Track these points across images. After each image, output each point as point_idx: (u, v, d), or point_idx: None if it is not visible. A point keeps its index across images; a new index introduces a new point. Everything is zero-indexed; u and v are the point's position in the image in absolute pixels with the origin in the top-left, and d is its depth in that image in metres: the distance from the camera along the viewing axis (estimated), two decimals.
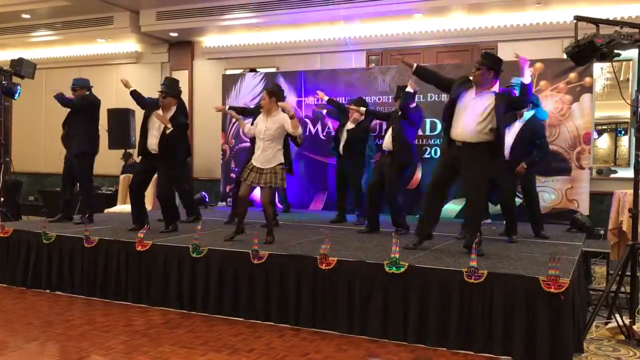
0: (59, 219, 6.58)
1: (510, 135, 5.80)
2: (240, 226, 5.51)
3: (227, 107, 7.51)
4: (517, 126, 5.95)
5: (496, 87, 4.99)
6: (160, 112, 5.93)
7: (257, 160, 5.43)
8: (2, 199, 7.66)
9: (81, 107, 6.52)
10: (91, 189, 6.88)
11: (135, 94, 6.21)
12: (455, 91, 5.02)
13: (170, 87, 6.04)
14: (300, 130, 5.48)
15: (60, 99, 6.44)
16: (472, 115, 4.85)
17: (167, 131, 5.83)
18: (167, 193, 6.08)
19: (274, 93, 5.56)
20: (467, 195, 5.11)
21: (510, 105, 4.98)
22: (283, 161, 5.48)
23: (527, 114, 6.00)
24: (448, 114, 4.99)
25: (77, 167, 6.49)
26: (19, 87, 7.65)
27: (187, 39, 10.43)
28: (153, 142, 5.94)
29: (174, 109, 6.01)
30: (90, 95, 6.65)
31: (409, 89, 6.22)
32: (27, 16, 10.35)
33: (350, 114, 7.01)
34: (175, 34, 10.16)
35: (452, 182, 5.18)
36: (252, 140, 5.88)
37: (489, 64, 4.87)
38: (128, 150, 9.71)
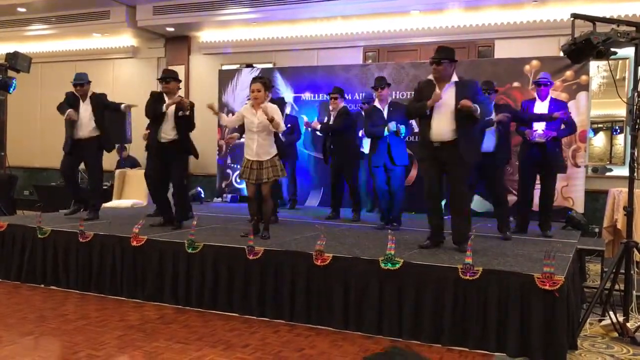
0: (74, 210, 6.58)
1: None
2: (256, 225, 5.48)
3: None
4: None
5: (455, 77, 4.99)
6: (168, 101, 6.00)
7: (254, 155, 5.38)
8: None
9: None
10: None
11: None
12: (424, 93, 4.98)
13: (171, 72, 6.21)
14: (281, 126, 5.49)
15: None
16: (447, 112, 4.84)
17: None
18: (182, 185, 6.19)
19: (268, 87, 5.57)
20: (450, 200, 5.06)
21: (470, 91, 4.88)
22: (277, 152, 5.48)
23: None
24: (422, 116, 4.97)
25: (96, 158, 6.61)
26: (14, 81, 7.61)
27: (183, 34, 10.39)
28: (166, 133, 6.01)
29: (178, 92, 6.17)
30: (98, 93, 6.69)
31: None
32: (23, 10, 10.30)
33: (331, 103, 7.12)
34: (172, 29, 10.13)
35: (442, 182, 5.12)
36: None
37: (450, 57, 4.91)
38: (124, 145, 9.70)
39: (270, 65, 9.65)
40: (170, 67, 10.26)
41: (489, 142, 5.78)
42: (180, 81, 6.25)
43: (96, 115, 6.47)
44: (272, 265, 4.67)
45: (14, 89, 7.66)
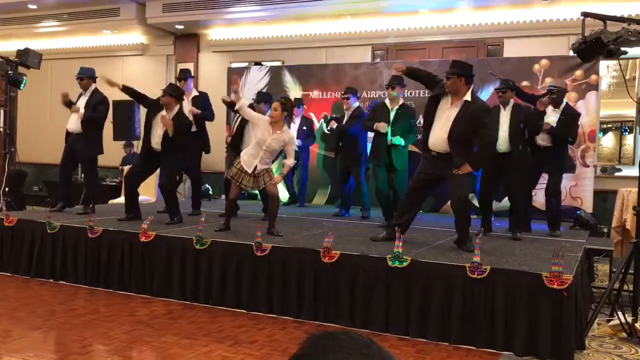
0: (60, 208, 6.66)
1: (501, 129, 5.80)
2: (227, 223, 5.59)
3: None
4: (505, 116, 5.89)
5: (468, 95, 4.86)
6: (165, 114, 5.88)
7: (251, 168, 5.42)
8: (6, 189, 7.69)
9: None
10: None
11: (127, 89, 6.15)
12: (435, 96, 5.00)
13: (171, 89, 6.05)
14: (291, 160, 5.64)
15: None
16: (445, 126, 4.85)
17: (170, 134, 5.85)
18: (168, 184, 6.10)
19: (287, 108, 5.49)
20: (452, 204, 5.10)
21: (472, 117, 4.81)
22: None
23: (511, 101, 5.94)
24: (427, 122, 4.99)
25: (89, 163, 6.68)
26: (24, 78, 7.67)
27: (192, 32, 10.41)
28: (156, 141, 5.96)
29: (176, 108, 5.97)
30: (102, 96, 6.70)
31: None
32: (34, 7, 10.36)
33: (388, 92, 6.62)
34: (181, 27, 10.15)
35: (432, 188, 5.23)
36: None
37: (458, 72, 4.82)
38: (132, 142, 9.75)
39: (278, 63, 9.65)
40: (179, 64, 10.35)
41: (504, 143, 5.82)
42: (181, 100, 6.09)
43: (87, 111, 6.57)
44: (280, 262, 4.69)
45: (24, 86, 7.72)
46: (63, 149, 6.82)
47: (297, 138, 7.76)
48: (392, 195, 6.32)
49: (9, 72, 7.53)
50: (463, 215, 4.93)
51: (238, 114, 6.25)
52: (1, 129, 9.13)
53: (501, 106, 5.95)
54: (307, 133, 8.03)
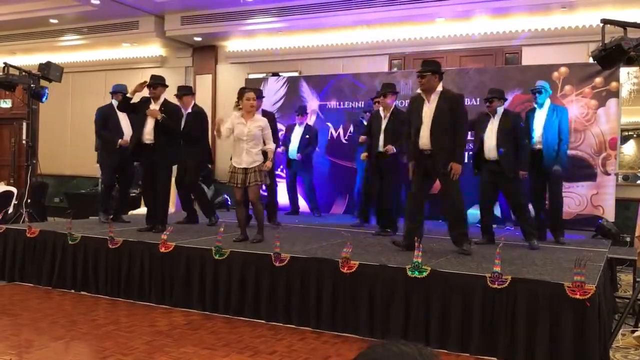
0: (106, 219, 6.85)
1: (489, 137, 5.82)
2: (244, 232, 5.64)
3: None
4: (493, 124, 5.86)
5: (440, 87, 5.15)
6: (152, 107, 6.19)
7: (241, 162, 5.55)
8: (28, 200, 7.79)
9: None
10: None
11: (126, 100, 6.26)
12: (414, 110, 5.26)
13: (151, 79, 6.34)
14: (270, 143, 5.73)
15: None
16: (429, 123, 5.09)
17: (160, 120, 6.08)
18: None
19: (261, 97, 5.74)
20: (443, 198, 5.34)
21: (451, 104, 5.09)
22: (263, 159, 5.62)
23: (499, 109, 5.90)
24: (415, 128, 5.20)
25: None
26: (46, 91, 7.79)
27: (211, 44, 10.51)
28: (147, 131, 6.14)
29: (162, 97, 6.31)
30: None
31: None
32: (55, 21, 10.54)
33: (382, 101, 6.53)
34: (199, 39, 10.26)
35: (428, 185, 5.41)
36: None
37: (432, 69, 5.10)
38: None
39: (295, 74, 9.70)
40: (197, 76, 10.45)
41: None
42: (163, 85, 6.40)
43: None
44: (298, 272, 4.68)
45: (46, 99, 7.84)
46: (110, 162, 6.97)
47: (298, 146, 7.96)
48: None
49: (32, 85, 7.66)
50: (455, 210, 5.13)
51: None
52: (23, 141, 9.26)
53: (490, 115, 5.92)
54: (307, 142, 8.05)
